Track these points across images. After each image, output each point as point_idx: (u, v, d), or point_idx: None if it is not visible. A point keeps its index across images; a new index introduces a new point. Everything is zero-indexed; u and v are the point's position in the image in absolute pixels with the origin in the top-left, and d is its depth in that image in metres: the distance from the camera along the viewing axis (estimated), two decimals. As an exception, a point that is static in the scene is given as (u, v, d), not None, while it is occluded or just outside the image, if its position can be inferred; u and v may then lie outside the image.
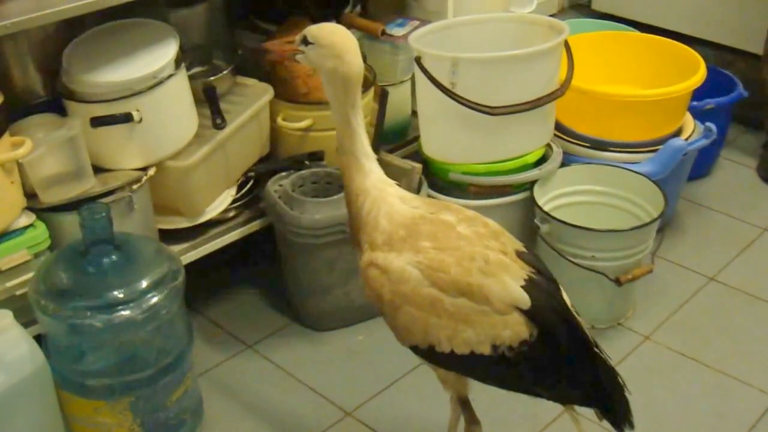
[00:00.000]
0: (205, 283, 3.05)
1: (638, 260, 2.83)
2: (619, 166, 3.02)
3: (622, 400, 2.05)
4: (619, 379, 2.05)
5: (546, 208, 2.87)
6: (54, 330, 2.30)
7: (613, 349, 2.78)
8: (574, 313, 2.02)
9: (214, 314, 3.03)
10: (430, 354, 1.94)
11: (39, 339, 2.33)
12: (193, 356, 2.50)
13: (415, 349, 1.96)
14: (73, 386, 2.34)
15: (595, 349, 2.02)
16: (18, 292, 2.40)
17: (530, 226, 2.92)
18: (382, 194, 1.97)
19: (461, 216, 2.00)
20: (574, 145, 3.14)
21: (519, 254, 1.98)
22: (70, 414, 2.40)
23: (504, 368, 1.93)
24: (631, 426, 2.06)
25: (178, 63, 2.59)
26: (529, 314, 1.89)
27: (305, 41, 1.94)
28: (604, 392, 2.03)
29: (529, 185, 2.96)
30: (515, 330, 1.89)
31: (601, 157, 3.09)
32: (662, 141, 3.08)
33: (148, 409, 2.38)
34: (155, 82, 2.52)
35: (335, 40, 1.91)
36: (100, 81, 2.48)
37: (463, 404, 2.12)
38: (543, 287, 1.95)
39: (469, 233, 1.95)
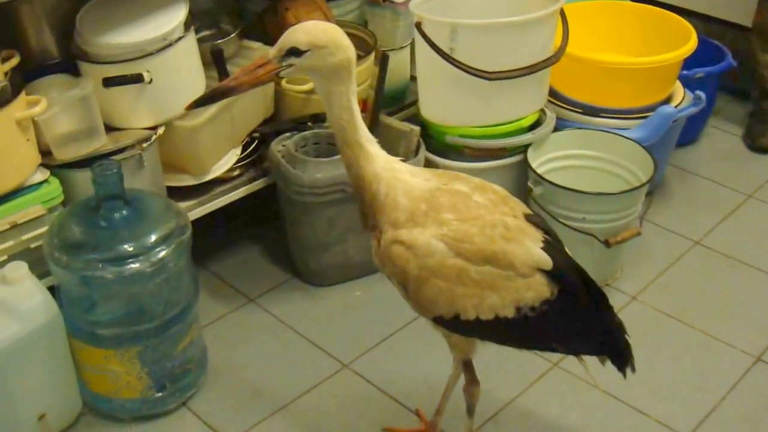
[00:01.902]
0: (210, 239, 3.11)
1: (627, 223, 2.91)
2: (610, 132, 3.09)
3: (626, 346, 2.13)
4: (623, 326, 2.13)
5: (539, 171, 2.94)
6: (67, 281, 2.38)
7: (601, 309, 2.89)
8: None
9: (218, 269, 3.11)
10: (454, 323, 1.97)
11: (52, 290, 2.40)
12: (198, 308, 2.58)
13: (439, 319, 1.99)
14: (84, 335, 2.42)
15: (606, 300, 2.10)
16: (32, 245, 2.48)
17: (523, 188, 3.00)
18: (394, 174, 1.95)
19: (472, 184, 2.02)
20: (567, 110, 3.21)
21: (527, 217, 2.02)
22: (82, 362, 2.47)
23: (525, 328, 1.98)
24: (633, 369, 2.14)
25: (187, 26, 2.65)
26: (550, 274, 1.95)
27: (295, 53, 1.83)
28: (614, 340, 2.11)
29: (523, 149, 3.04)
30: (537, 290, 1.94)
31: (593, 122, 3.17)
32: (653, 108, 3.16)
33: (155, 358, 2.46)
34: (165, 44, 2.59)
35: (331, 34, 1.83)
36: (113, 43, 2.54)
37: (467, 365, 2.18)
38: (557, 247, 2.02)
39: (484, 201, 1.98)
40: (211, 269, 3.11)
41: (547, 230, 2.04)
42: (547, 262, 1.94)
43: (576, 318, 2.04)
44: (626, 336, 2.13)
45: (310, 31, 1.83)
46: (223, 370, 2.71)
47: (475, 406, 2.24)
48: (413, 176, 1.98)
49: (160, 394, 2.53)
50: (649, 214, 3.29)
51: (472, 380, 2.20)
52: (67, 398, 2.50)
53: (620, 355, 2.13)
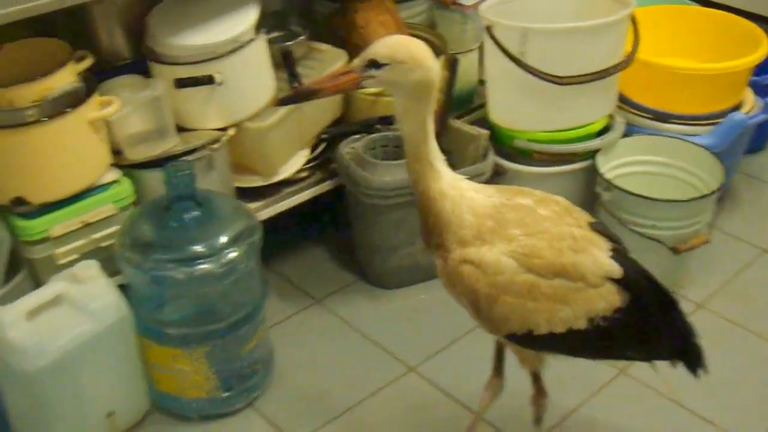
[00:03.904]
0: (277, 241, 3.10)
1: (696, 230, 2.88)
2: (680, 138, 3.07)
3: (698, 348, 2.11)
4: (694, 328, 2.11)
5: (608, 177, 2.93)
6: (136, 280, 2.40)
7: (668, 317, 2.87)
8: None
9: (285, 270, 3.13)
10: (526, 338, 1.95)
11: (122, 289, 2.43)
12: (265, 310, 2.60)
13: (512, 336, 1.97)
14: (153, 334, 2.44)
15: (676, 303, 2.09)
16: (103, 244, 2.50)
17: (591, 194, 2.99)
18: (460, 191, 1.94)
19: (535, 198, 2.01)
20: (637, 116, 3.18)
21: (591, 225, 2.00)
22: (150, 361, 2.50)
23: (598, 339, 1.96)
24: (706, 370, 2.12)
25: (258, 28, 2.67)
26: (621, 282, 1.93)
27: (375, 65, 1.81)
28: (686, 344, 2.09)
29: (592, 154, 3.02)
30: (609, 300, 1.92)
31: (663, 128, 3.14)
32: (722, 114, 3.12)
33: (222, 358, 2.48)
34: (236, 46, 2.61)
35: (413, 51, 1.81)
36: (184, 44, 2.57)
37: (536, 378, 2.17)
38: (625, 254, 2.00)
39: (549, 213, 1.97)
40: (278, 270, 3.13)
41: (612, 237, 2.02)
42: (616, 270, 1.93)
43: (648, 324, 2.02)
44: (697, 338, 2.11)
45: (391, 45, 1.82)
46: (289, 371, 2.72)
47: (543, 418, 2.23)
48: (477, 193, 1.96)
49: (226, 394, 2.54)
50: (717, 221, 3.27)
51: (540, 391, 2.19)
52: (135, 396, 2.52)
53: (692, 358, 2.11)
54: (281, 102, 2.03)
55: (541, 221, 1.94)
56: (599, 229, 2.01)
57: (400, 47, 1.81)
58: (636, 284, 1.96)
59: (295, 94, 2.09)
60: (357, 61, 1.85)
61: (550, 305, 1.90)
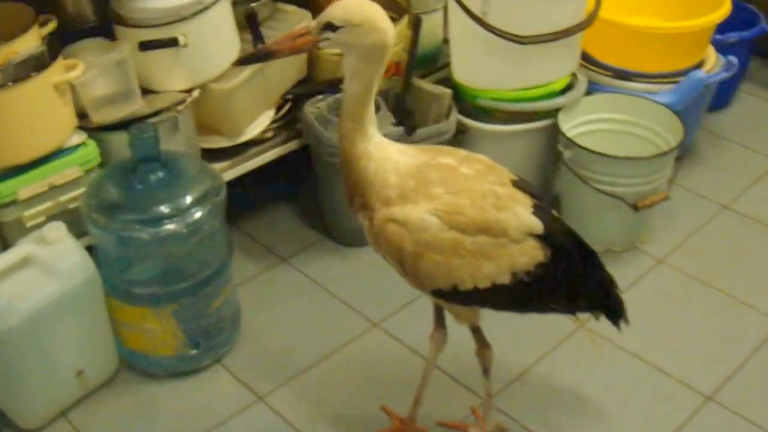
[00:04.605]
0: (243, 200, 3.15)
1: (656, 187, 2.93)
2: (641, 96, 3.10)
3: (619, 300, 2.18)
4: (614, 281, 2.18)
5: (569, 135, 2.96)
6: (103, 242, 2.43)
7: (628, 272, 2.94)
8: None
9: (251, 229, 3.17)
10: (452, 294, 1.99)
11: (89, 250, 2.46)
12: (231, 268, 2.64)
13: (438, 292, 2.02)
14: (121, 294, 2.48)
15: (596, 257, 2.14)
16: (70, 206, 2.53)
17: (554, 152, 3.03)
18: (385, 153, 1.96)
19: (458, 156, 2.04)
20: (599, 74, 3.21)
21: (514, 183, 2.04)
22: (119, 320, 2.54)
23: (521, 292, 2.01)
24: (627, 322, 2.19)
25: (222, -10, 2.68)
26: (543, 238, 1.98)
27: (331, 27, 1.83)
28: (607, 296, 2.16)
29: (555, 112, 3.04)
30: (531, 255, 1.97)
31: (625, 86, 3.17)
32: (684, 72, 3.15)
33: (190, 316, 2.52)
34: (201, 8, 2.62)
35: (368, 14, 1.82)
36: (149, 7, 2.58)
37: (475, 331, 2.21)
38: (546, 210, 2.04)
39: (471, 172, 2.00)
40: (244, 230, 3.16)
41: (535, 194, 2.06)
42: (538, 226, 1.97)
43: (570, 278, 2.07)
44: (618, 291, 2.18)
45: (347, 7, 1.83)
46: (256, 328, 2.77)
47: (491, 368, 2.27)
48: (401, 154, 1.99)
49: (194, 351, 2.59)
50: (678, 178, 3.30)
51: (483, 344, 2.24)
52: (104, 355, 2.56)
53: (613, 310, 2.18)
54: (240, 62, 2.08)
55: (464, 180, 1.98)
56: (522, 186, 2.05)
57: (355, 10, 1.83)
58: (557, 239, 2.01)
59: (252, 54, 2.13)
60: (314, 23, 1.87)
61: (474, 261, 1.94)
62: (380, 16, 1.84)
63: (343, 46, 1.88)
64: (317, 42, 1.88)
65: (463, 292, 1.98)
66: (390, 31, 1.85)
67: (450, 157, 2.04)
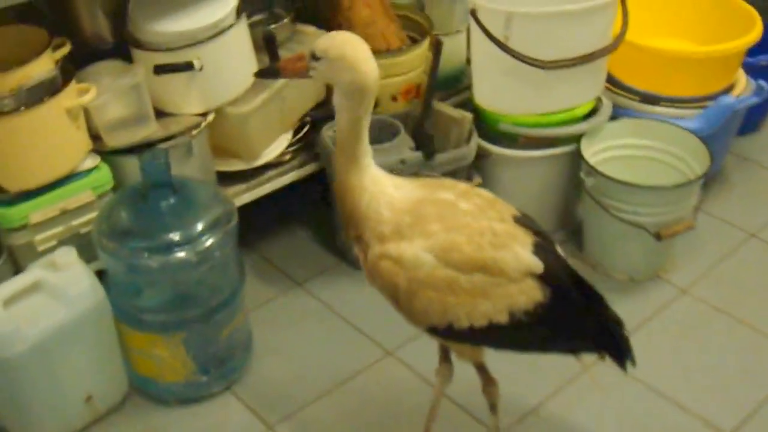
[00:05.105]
0: (259, 222, 3.14)
1: (680, 216, 2.87)
2: (666, 121, 3.04)
3: (624, 340, 2.12)
4: (620, 321, 2.12)
5: (592, 161, 2.92)
6: (113, 267, 2.42)
7: (650, 301, 2.89)
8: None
9: (267, 252, 3.14)
10: (448, 332, 1.97)
11: (100, 274, 2.45)
12: (245, 291, 2.61)
13: (433, 330, 1.99)
14: (130, 320, 2.46)
15: (600, 297, 2.10)
16: (82, 231, 2.52)
17: (576, 178, 2.99)
18: (379, 187, 1.95)
19: (457, 191, 2.01)
20: (625, 98, 3.16)
21: (515, 219, 2.00)
22: (128, 345, 2.53)
23: (520, 332, 1.98)
24: (633, 363, 2.13)
25: (239, 12, 2.66)
26: (542, 277, 1.94)
27: (314, 56, 1.86)
28: (611, 337, 2.10)
29: (578, 138, 2.99)
30: (530, 295, 1.93)
31: (650, 110, 3.11)
32: (714, 96, 3.09)
33: (200, 343, 2.50)
34: (217, 32, 2.60)
35: (346, 52, 1.82)
36: (164, 30, 2.57)
37: (479, 368, 2.18)
38: (548, 249, 2.00)
39: (470, 207, 1.97)
40: (259, 252, 3.14)
41: (537, 231, 2.02)
42: (537, 265, 1.94)
43: (570, 318, 2.04)
44: (624, 330, 2.13)
45: (329, 40, 1.86)
46: (268, 354, 2.75)
47: (498, 404, 2.24)
48: (397, 189, 1.97)
49: (204, 378, 2.57)
50: (705, 204, 3.25)
51: (488, 380, 2.20)
52: (114, 380, 2.55)
53: (618, 350, 2.12)
54: (255, 74, 2.17)
55: (462, 216, 1.95)
56: (524, 222, 2.01)
57: (336, 44, 1.85)
58: (557, 279, 1.97)
59: (260, 70, 2.20)
60: (307, 50, 1.88)
61: (469, 299, 1.91)
62: (363, 57, 1.83)
63: (325, 77, 1.89)
64: (307, 70, 1.90)
65: (459, 331, 1.96)
66: (371, 75, 1.84)
67: (449, 191, 2.01)
